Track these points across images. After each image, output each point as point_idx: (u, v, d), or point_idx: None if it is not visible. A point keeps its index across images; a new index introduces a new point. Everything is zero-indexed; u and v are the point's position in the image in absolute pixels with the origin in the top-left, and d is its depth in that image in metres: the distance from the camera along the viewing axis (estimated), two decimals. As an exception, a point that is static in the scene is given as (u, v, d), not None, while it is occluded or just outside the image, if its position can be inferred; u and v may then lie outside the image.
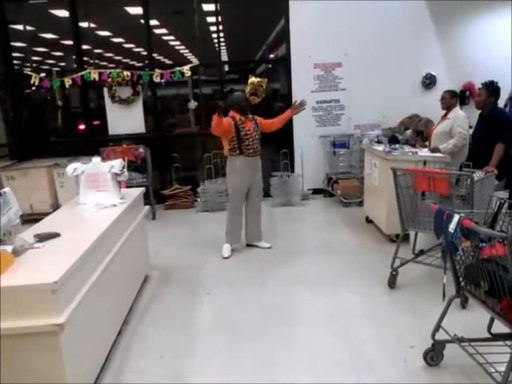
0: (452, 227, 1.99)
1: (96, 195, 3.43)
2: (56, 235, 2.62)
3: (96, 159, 3.60)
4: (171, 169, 6.62)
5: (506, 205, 2.22)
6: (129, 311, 3.37)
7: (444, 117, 4.78)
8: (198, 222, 5.96)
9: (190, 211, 6.37)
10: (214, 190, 6.27)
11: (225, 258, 4.46)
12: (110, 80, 6.30)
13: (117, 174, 3.50)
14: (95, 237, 2.62)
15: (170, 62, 7.79)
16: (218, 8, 7.21)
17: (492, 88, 4.22)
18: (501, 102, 4.77)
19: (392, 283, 3.64)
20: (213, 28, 9.03)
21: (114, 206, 3.36)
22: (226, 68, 9.49)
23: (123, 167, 3.69)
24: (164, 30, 10.18)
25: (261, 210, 4.73)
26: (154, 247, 4.74)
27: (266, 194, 6.55)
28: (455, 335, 2.51)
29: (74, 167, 3.49)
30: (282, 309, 3.42)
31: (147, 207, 4.09)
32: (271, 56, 10.42)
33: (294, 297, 3.62)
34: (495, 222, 2.23)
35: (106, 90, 6.40)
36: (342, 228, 5.29)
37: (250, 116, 4.46)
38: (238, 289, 3.80)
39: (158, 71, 6.36)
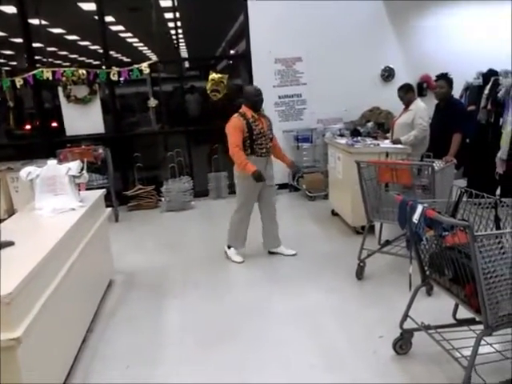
0: (416, 217, 2.01)
1: (53, 199, 3.28)
2: (9, 244, 2.48)
3: (52, 162, 3.44)
4: (133, 169, 6.46)
5: (465, 194, 2.26)
6: (93, 318, 3.24)
7: (406, 108, 4.85)
8: (162, 222, 5.84)
9: (155, 211, 6.24)
10: (178, 189, 6.15)
11: (240, 261, 4.18)
12: (64, 79, 6.05)
13: (75, 177, 3.36)
14: (52, 244, 2.49)
15: (129, 60, 7.59)
16: (176, 4, 7.07)
17: (450, 79, 4.33)
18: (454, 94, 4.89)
19: (360, 274, 3.67)
20: (171, 24, 8.86)
21: (73, 209, 3.22)
22: (187, 65, 9.35)
23: (82, 169, 3.55)
24: (121, 27, 9.91)
25: (276, 212, 4.32)
26: (119, 250, 4.60)
27: (231, 191, 6.51)
28: (422, 323, 2.55)
29: (28, 171, 3.32)
30: (250, 309, 3.38)
31: (109, 209, 3.96)
32: (231, 52, 10.36)
33: (261, 295, 3.59)
34: (456, 211, 2.27)
35: (60, 89, 6.16)
36: (309, 222, 5.30)
37: (263, 113, 4.15)
38: (205, 290, 3.73)
39: (115, 69, 6.16)
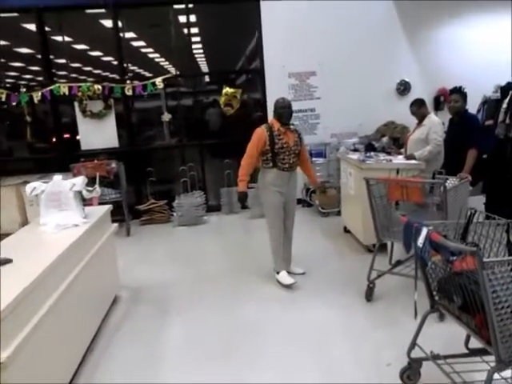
0: (420, 241, 1.89)
1: (57, 215, 3.26)
2: (7, 261, 2.45)
3: (57, 177, 3.43)
4: (146, 183, 6.47)
5: (477, 214, 2.13)
6: (94, 337, 3.19)
7: (419, 123, 4.73)
8: (174, 237, 5.80)
9: (167, 226, 6.21)
10: (190, 203, 6.12)
11: (291, 283, 3.86)
12: (80, 94, 6.13)
13: (80, 192, 3.34)
14: (50, 261, 2.46)
15: (151, 75, 7.70)
16: (191, 20, 7.12)
17: (464, 93, 4.19)
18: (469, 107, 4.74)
19: (369, 296, 3.54)
20: (191, 40, 8.97)
21: (77, 225, 3.19)
22: (208, 79, 9.39)
23: (93, 183, 3.56)
24: (142, 43, 10.06)
25: (293, 230, 4.17)
26: (127, 265, 4.60)
27: (244, 206, 6.45)
28: (431, 352, 2.40)
29: (33, 186, 3.32)
30: (254, 326, 3.28)
31: (115, 225, 3.93)
32: (249, 67, 10.38)
33: (267, 313, 3.49)
34: (467, 233, 2.14)
35: (76, 104, 6.24)
36: (320, 238, 5.18)
37: (293, 127, 4.01)
38: (210, 307, 3.65)
39: (129, 84, 6.22)
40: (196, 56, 10.05)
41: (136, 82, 6.25)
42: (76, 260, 2.89)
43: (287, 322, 3.34)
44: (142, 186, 6.65)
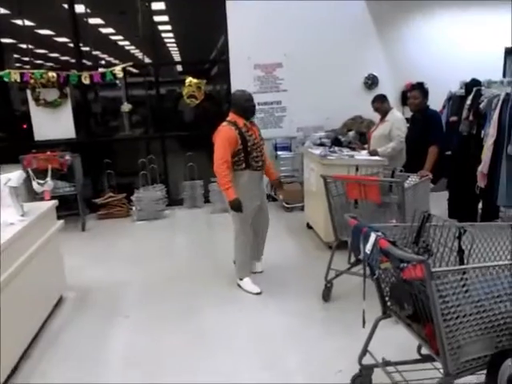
0: (369, 248, 1.76)
1: (-8, 212, 2.99)
2: None
3: (-9, 171, 3.16)
4: (104, 176, 6.19)
5: (433, 217, 2.01)
6: (32, 341, 2.96)
7: (382, 119, 4.64)
8: (132, 232, 5.56)
9: (125, 221, 5.97)
10: (150, 197, 5.88)
11: (258, 292, 3.63)
12: (32, 81, 5.78)
13: (15, 188, 3.08)
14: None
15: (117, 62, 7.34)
16: (161, 8, 6.83)
17: (425, 90, 4.11)
18: (432, 104, 4.67)
19: (326, 296, 3.43)
20: (162, 28, 8.62)
21: (12, 224, 2.94)
22: (180, 69, 9.05)
23: (39, 177, 3.30)
24: (111, 30, 9.63)
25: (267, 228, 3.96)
26: (78, 263, 4.37)
27: (206, 200, 6.27)
28: (383, 359, 2.30)
29: (-36, 181, 3.04)
30: (206, 334, 3.11)
31: (60, 221, 3.67)
32: (219, 58, 10.10)
33: (221, 318, 3.32)
34: (419, 237, 2.03)
35: (28, 92, 5.89)
36: (283, 235, 5.05)
37: (253, 121, 3.71)
38: (161, 310, 3.47)
39: (86, 72, 5.90)
40: (168, 46, 9.68)
41: (98, 71, 5.93)
42: (9, 261, 2.64)
43: (242, 328, 3.19)
44: (100, 179, 6.36)
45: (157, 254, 4.70)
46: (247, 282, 3.71)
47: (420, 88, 4.08)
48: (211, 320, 3.30)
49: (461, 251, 1.82)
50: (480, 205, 5.08)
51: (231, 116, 3.59)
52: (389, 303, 2.21)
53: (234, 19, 6.12)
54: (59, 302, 3.58)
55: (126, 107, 6.20)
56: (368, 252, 1.76)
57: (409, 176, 3.62)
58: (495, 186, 4.22)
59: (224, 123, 3.55)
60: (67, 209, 5.68)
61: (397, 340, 2.68)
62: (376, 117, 5.80)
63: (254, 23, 6.09)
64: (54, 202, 3.60)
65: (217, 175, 3.48)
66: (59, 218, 3.71)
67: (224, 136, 3.44)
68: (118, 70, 5.95)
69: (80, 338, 3.11)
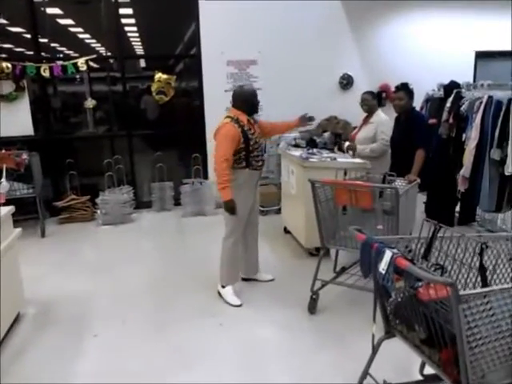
0: (383, 267, 1.56)
1: None
2: None
3: None
4: (66, 177, 5.76)
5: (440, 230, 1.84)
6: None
7: (366, 120, 4.47)
8: (96, 238, 5.18)
9: (90, 225, 5.57)
10: (116, 200, 5.51)
11: (237, 305, 3.38)
12: (-17, 73, 5.29)
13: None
14: None
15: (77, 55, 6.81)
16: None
17: (410, 90, 3.97)
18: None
19: (312, 308, 3.22)
20: (125, 21, 8.17)
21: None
22: (143, 64, 8.62)
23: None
24: (70, 21, 9.05)
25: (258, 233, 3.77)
26: (38, 274, 4.00)
27: (177, 202, 5.96)
28: (384, 381, 2.12)
29: None
30: (184, 351, 2.84)
31: (17, 230, 3.28)
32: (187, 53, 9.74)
33: (199, 333, 3.05)
34: (430, 252, 1.85)
35: (-20, 84, 5.39)
36: (259, 241, 4.80)
37: (254, 118, 3.52)
38: (133, 327, 3.16)
39: (45, 64, 5.46)
40: (132, 40, 9.22)
41: (46, 64, 5.48)
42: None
43: (223, 343, 2.93)
44: (61, 180, 5.92)
45: (124, 262, 4.36)
46: (228, 292, 3.47)
47: (405, 89, 3.93)
48: (188, 336, 3.02)
49: (483, 269, 1.65)
50: (457, 208, 5.06)
51: (233, 112, 3.39)
52: (393, 322, 2.02)
53: (206, 13, 5.84)
54: (16, 320, 3.20)
55: (89, 103, 5.79)
56: (383, 272, 1.56)
57: (395, 180, 3.49)
58: (476, 190, 4.16)
59: (226, 119, 3.34)
60: (25, 213, 5.23)
61: (396, 357, 2.52)
62: (352, 117, 5.73)
63: (227, 18, 5.83)
64: (10, 209, 3.20)
65: (216, 173, 3.30)
66: (15, 222, 3.32)
67: (227, 133, 3.25)
68: (80, 62, 5.57)
69: (41, 362, 2.76)
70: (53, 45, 6.46)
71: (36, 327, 3.18)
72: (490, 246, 1.69)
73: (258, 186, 3.63)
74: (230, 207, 3.27)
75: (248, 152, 3.30)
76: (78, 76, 6.09)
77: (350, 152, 4.42)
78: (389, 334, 2.04)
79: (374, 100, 4.36)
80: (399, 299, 1.86)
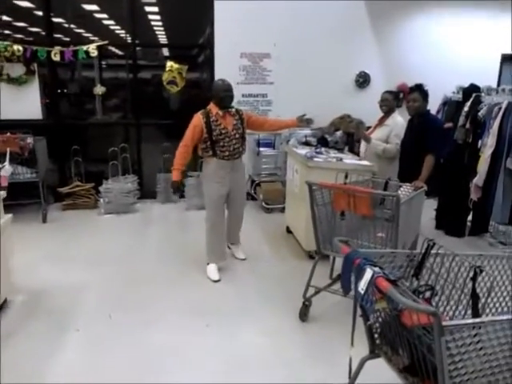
0: (362, 286, 1.41)
1: None
2: None
3: None
4: (72, 163, 5.71)
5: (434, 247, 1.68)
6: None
7: (381, 121, 4.27)
8: (98, 226, 5.12)
9: (92, 213, 5.51)
10: (119, 188, 5.44)
11: (215, 281, 3.66)
12: (-5, 54, 5.26)
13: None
14: None
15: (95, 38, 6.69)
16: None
17: (425, 92, 3.76)
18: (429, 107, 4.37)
19: (304, 315, 3.08)
20: (149, 9, 8.06)
21: None
22: (167, 53, 8.52)
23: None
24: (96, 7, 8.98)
25: (243, 216, 4.04)
26: (34, 260, 3.98)
27: (182, 195, 5.86)
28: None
29: None
30: (167, 354, 2.73)
31: (8, 216, 3.22)
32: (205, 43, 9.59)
33: (185, 335, 2.94)
34: (421, 269, 1.69)
35: (-9, 65, 5.36)
36: (260, 239, 4.69)
37: (233, 110, 3.68)
38: (117, 322, 3.07)
39: (57, 48, 5.40)
40: (155, 28, 9.11)
41: (69, 48, 5.42)
42: None
43: (209, 348, 2.81)
44: (67, 166, 5.88)
45: (122, 254, 4.28)
46: (210, 268, 3.78)
47: (420, 90, 3.72)
48: (171, 336, 2.92)
49: (475, 295, 1.49)
50: (469, 217, 4.84)
51: (210, 105, 3.69)
52: (378, 341, 1.88)
53: (222, 2, 5.69)
54: (2, 306, 3.15)
55: (99, 89, 5.72)
56: (362, 291, 1.41)
57: (401, 186, 3.31)
58: (490, 200, 3.95)
59: (199, 112, 3.67)
60: (28, 197, 5.21)
61: (381, 374, 2.37)
62: (367, 117, 5.51)
63: (243, 7, 5.67)
64: (1, 194, 3.14)
65: (176, 154, 3.69)
66: (18, 206, 3.26)
67: (192, 123, 3.63)
68: (92, 48, 5.49)
69: (16, 353, 2.69)
70: (71, 26, 6.38)
71: (20, 316, 3.11)
72: (485, 269, 1.52)
73: (240, 173, 3.85)
74: (175, 187, 3.73)
75: (213, 142, 3.57)
76: (102, 62, 5.99)
77: (364, 143, 4.28)
78: (373, 354, 1.90)
79: (395, 101, 4.17)
80: (381, 319, 1.71)
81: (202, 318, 3.14)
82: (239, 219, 4.03)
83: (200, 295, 3.47)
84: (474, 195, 4.12)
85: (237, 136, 3.65)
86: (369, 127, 5.32)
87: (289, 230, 4.75)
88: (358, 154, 4.78)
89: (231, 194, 3.78)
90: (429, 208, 4.82)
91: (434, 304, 1.60)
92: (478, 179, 3.98)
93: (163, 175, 5.84)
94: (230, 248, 4.18)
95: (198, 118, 3.59)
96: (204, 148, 3.64)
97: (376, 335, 1.88)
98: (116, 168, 5.62)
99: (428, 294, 1.61)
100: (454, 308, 1.64)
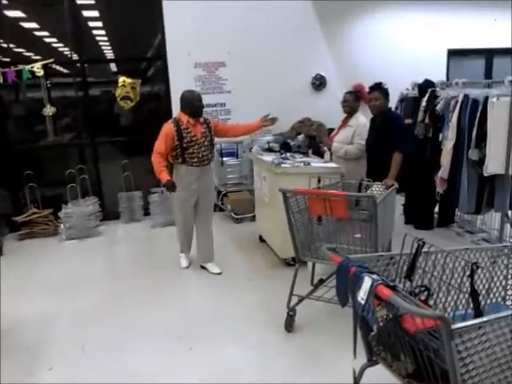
0: (362, 296, 1.35)
1: None
2: None
3: None
4: (26, 189, 5.39)
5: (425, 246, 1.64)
6: None
7: (345, 122, 4.29)
8: (59, 254, 4.83)
9: (53, 240, 5.22)
10: (80, 212, 5.18)
11: (184, 267, 4.12)
12: None
13: None
14: None
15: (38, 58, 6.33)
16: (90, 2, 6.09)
17: (385, 90, 3.80)
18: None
19: (289, 326, 3.00)
20: (92, 24, 7.78)
21: None
22: (115, 68, 8.25)
23: None
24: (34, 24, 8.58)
25: (211, 226, 4.11)
26: (-6, 297, 3.64)
27: (146, 212, 5.67)
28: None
29: None
30: (150, 380, 2.58)
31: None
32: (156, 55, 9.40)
33: (166, 358, 2.79)
34: (413, 271, 1.65)
35: None
36: (232, 250, 4.58)
37: (202, 119, 3.87)
38: (92, 355, 2.88)
39: (-5, 70, 5.09)
40: (100, 44, 8.81)
41: (12, 68, 5.12)
42: None
43: (192, 369, 2.68)
44: (21, 193, 5.54)
45: (89, 280, 4.05)
46: (181, 256, 4.19)
47: (380, 88, 3.75)
48: (154, 359, 2.77)
49: (474, 293, 1.46)
50: (436, 209, 4.94)
51: (179, 114, 3.86)
52: (375, 348, 1.82)
53: (171, 13, 5.57)
54: (-38, 352, 2.88)
55: (49, 110, 5.43)
56: (362, 302, 1.35)
57: (368, 185, 3.30)
58: (455, 191, 4.03)
59: (170, 120, 3.86)
60: (-18, 228, 4.89)
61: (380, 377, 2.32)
62: (326, 119, 5.54)
63: (194, 17, 5.59)
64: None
65: (153, 164, 3.79)
66: None
67: (163, 131, 3.78)
68: (37, 67, 5.22)
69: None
70: (10, 46, 6.05)
71: (-16, 361, 2.86)
72: (481, 266, 1.50)
73: (208, 182, 3.98)
74: (169, 185, 3.75)
75: (182, 149, 3.72)
76: (48, 82, 5.69)
77: (326, 148, 4.31)
78: (371, 361, 1.84)
79: (356, 102, 4.19)
80: (381, 324, 1.66)
81: (184, 339, 2.99)
82: (207, 230, 4.06)
83: (178, 315, 3.32)
84: (440, 188, 4.20)
85: (205, 143, 3.82)
86: (330, 129, 5.37)
87: (262, 239, 4.66)
88: (322, 155, 4.79)
89: (200, 202, 3.93)
90: (397, 204, 4.88)
91: (431, 304, 1.56)
92: (443, 172, 4.06)
93: (125, 194, 5.64)
94: (203, 267, 4.08)
95: (169, 127, 3.74)
96: (174, 155, 3.79)
97: (373, 343, 1.82)
98: (75, 191, 5.35)
99: (424, 295, 1.57)
100: (453, 308, 1.61)
